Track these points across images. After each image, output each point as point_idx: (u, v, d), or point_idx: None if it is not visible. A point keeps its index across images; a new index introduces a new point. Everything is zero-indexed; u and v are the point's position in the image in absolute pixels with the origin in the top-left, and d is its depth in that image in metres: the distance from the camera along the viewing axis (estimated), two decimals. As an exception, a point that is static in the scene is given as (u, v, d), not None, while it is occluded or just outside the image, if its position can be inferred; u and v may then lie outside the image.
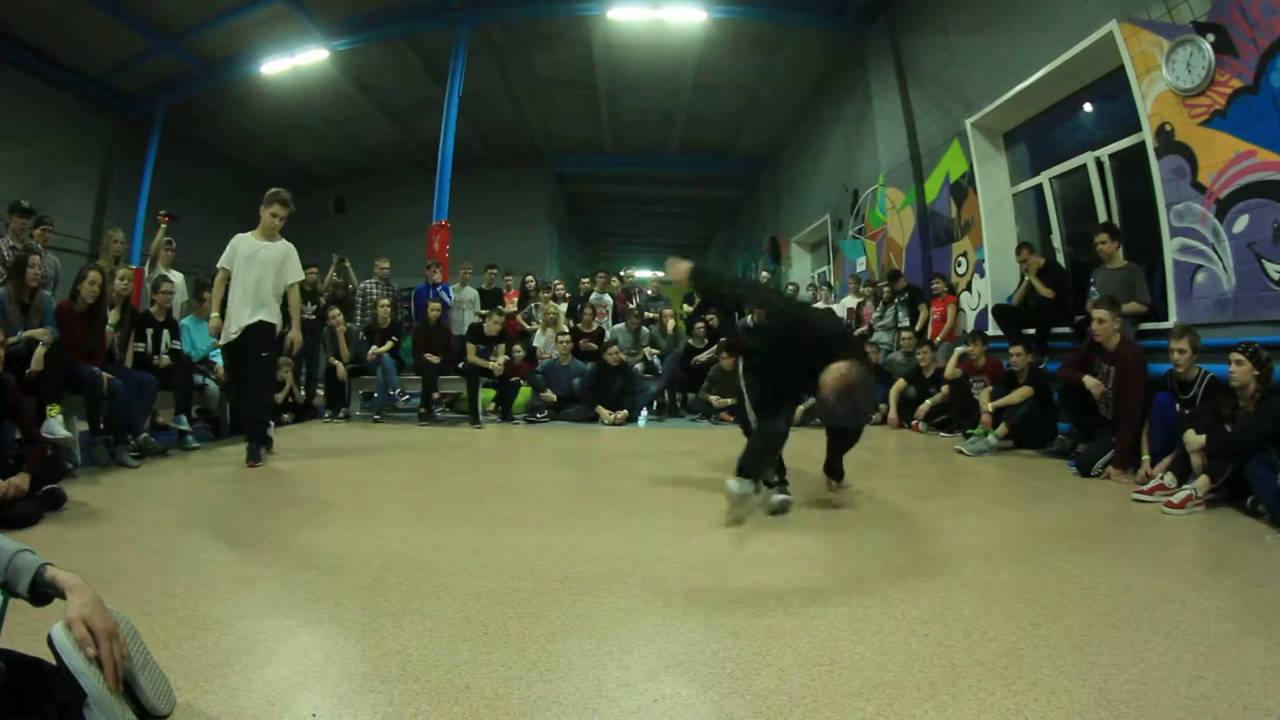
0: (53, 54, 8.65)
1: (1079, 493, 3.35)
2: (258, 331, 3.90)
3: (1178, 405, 3.44)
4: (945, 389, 5.44)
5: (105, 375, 3.76)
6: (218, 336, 4.07)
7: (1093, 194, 5.35)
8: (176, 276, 5.42)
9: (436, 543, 2.37)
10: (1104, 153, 5.22)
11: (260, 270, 3.91)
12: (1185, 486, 2.94)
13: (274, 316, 3.99)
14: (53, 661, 1.07)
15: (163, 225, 5.74)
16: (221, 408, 5.09)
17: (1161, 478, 3.11)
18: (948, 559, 2.21)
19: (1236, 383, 3.01)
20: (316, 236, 12.36)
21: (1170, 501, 2.88)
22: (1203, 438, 2.99)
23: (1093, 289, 4.57)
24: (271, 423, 4.31)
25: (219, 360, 4.83)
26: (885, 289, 7.17)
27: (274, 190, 4.01)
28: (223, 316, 3.94)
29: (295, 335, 4.38)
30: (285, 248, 4.04)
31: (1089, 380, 3.84)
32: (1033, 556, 2.24)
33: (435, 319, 6.41)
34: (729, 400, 6.08)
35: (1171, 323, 4.20)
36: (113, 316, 4.20)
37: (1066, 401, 4.17)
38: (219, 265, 3.96)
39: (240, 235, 4.00)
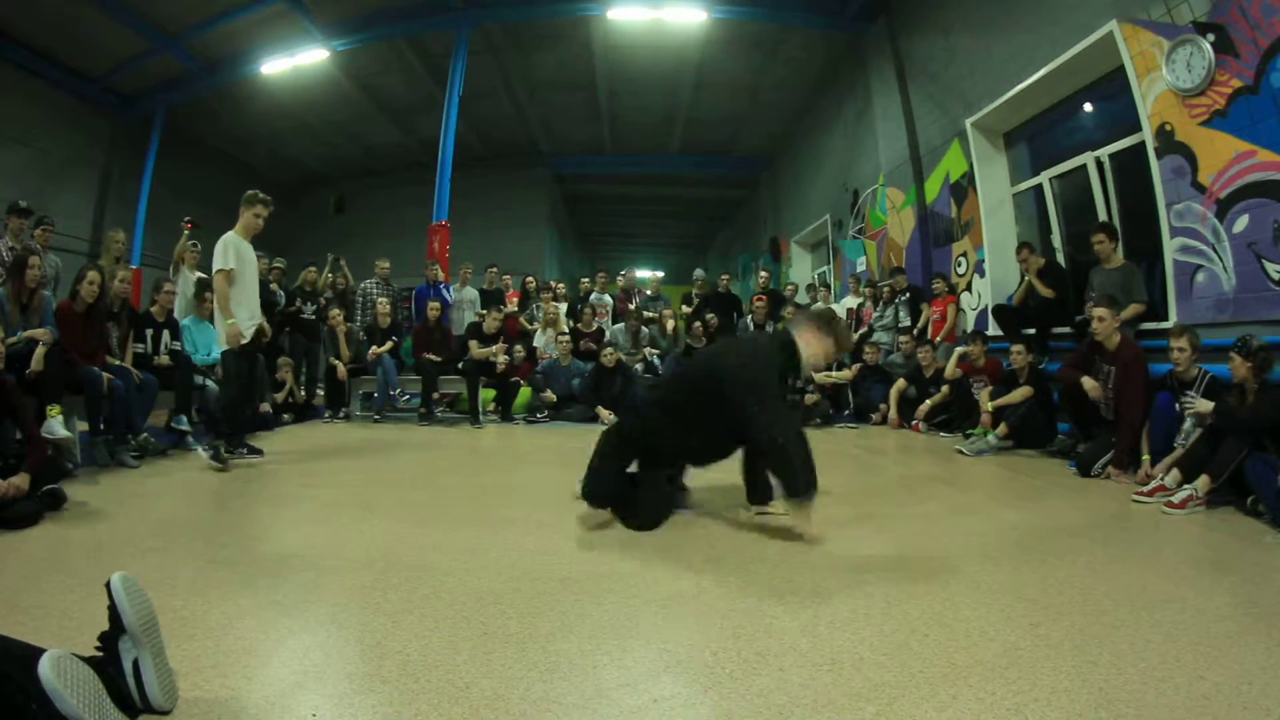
0: (53, 54, 8.65)
1: (1079, 493, 3.35)
2: (258, 335, 4.14)
3: (1177, 405, 3.44)
4: (945, 389, 5.44)
5: (105, 375, 3.76)
6: (234, 345, 3.87)
7: (1093, 194, 5.35)
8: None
9: (436, 543, 2.37)
10: (1104, 153, 5.22)
11: (254, 272, 4.09)
12: (1185, 486, 2.94)
13: None
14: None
15: (185, 231, 5.79)
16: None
17: (1162, 478, 3.11)
18: (948, 559, 2.21)
19: (1238, 378, 3.05)
20: (316, 236, 12.38)
21: (1170, 501, 2.89)
22: (1211, 404, 3.08)
23: (1089, 292, 4.57)
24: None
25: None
26: (886, 288, 7.17)
27: (256, 192, 4.06)
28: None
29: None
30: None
31: (1087, 383, 3.84)
32: (1033, 556, 2.24)
33: (435, 319, 6.42)
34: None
35: (1171, 323, 4.20)
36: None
37: (1066, 401, 4.17)
38: (226, 266, 3.80)
39: (234, 236, 3.91)
